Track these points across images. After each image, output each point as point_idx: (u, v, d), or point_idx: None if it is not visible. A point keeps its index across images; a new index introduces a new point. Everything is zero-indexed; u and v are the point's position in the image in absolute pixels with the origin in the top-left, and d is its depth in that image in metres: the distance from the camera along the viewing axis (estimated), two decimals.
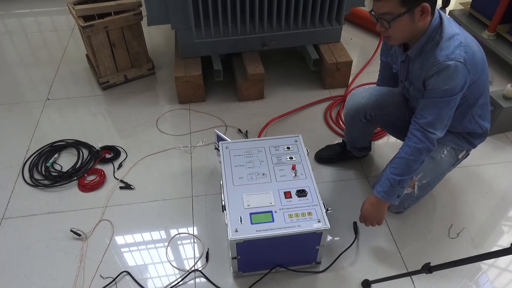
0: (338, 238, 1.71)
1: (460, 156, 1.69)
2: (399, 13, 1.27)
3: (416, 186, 1.61)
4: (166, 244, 1.70)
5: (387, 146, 2.12)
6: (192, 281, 1.57)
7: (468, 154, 1.73)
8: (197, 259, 1.63)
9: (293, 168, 1.58)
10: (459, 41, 1.33)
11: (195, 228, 1.74)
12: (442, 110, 1.38)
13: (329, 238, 1.70)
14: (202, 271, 1.58)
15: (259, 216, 1.43)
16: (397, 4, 1.25)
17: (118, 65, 2.44)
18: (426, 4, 1.26)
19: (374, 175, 1.96)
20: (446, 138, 1.55)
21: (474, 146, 1.68)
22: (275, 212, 1.44)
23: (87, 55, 2.61)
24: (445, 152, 1.62)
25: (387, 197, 1.50)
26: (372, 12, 1.33)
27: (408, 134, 1.47)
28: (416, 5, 1.26)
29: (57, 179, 1.93)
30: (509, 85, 2.04)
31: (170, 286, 1.55)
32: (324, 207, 1.45)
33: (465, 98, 1.44)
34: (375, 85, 1.83)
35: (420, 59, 1.41)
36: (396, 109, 1.67)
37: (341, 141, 2.04)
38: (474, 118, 1.55)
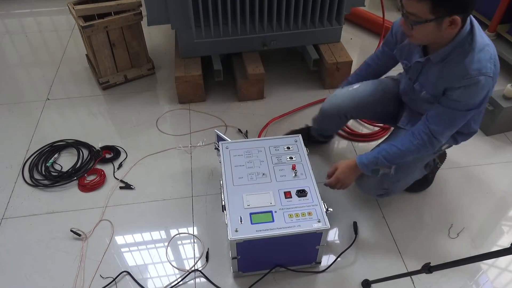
0: (338, 238, 1.71)
1: (442, 148, 1.67)
2: (426, 19, 1.21)
3: (392, 166, 1.58)
4: (166, 244, 1.70)
5: None
6: (192, 281, 1.57)
7: (450, 146, 1.70)
8: (197, 259, 1.63)
9: (293, 168, 1.58)
10: (490, 53, 1.29)
11: (195, 228, 1.74)
12: (457, 122, 1.38)
13: (329, 238, 1.70)
14: (202, 271, 1.58)
15: (259, 216, 1.43)
16: (426, 9, 1.19)
17: (118, 65, 2.44)
18: (457, 17, 1.20)
19: None
20: None
21: (456, 143, 1.65)
22: (275, 212, 1.44)
23: (87, 55, 2.61)
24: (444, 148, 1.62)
25: (365, 169, 1.53)
26: (402, 7, 1.27)
27: (414, 131, 1.45)
28: (446, 16, 1.20)
29: (57, 179, 1.93)
30: (509, 85, 2.04)
31: (170, 286, 1.55)
32: (324, 207, 1.45)
33: None
34: (360, 72, 1.77)
35: (441, 65, 1.36)
36: (378, 107, 1.69)
37: (304, 126, 2.05)
38: (467, 122, 1.53)
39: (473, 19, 1.31)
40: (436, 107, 1.40)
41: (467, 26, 1.28)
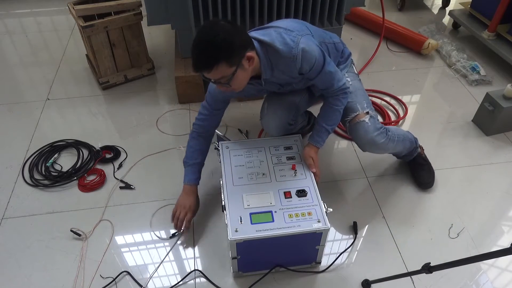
0: (338, 238, 1.71)
1: (354, 69, 1.82)
2: (231, 73, 1.33)
3: (369, 112, 1.66)
4: (166, 244, 1.70)
5: None
6: (192, 281, 1.57)
7: (352, 64, 1.83)
8: (197, 259, 1.63)
9: (293, 168, 1.58)
10: (280, 32, 1.43)
11: (195, 228, 1.74)
12: (332, 69, 1.53)
13: (329, 238, 1.70)
14: (202, 271, 1.58)
15: (259, 216, 1.43)
16: (225, 68, 1.30)
17: (118, 65, 2.44)
18: (249, 54, 1.34)
19: (374, 175, 1.96)
20: None
21: (349, 53, 1.80)
22: (275, 212, 1.44)
23: (87, 55, 2.61)
24: (348, 79, 1.72)
25: (323, 144, 1.66)
26: (205, 78, 1.36)
27: (331, 100, 1.61)
28: (241, 59, 1.33)
29: (57, 179, 1.93)
30: (509, 85, 2.04)
31: (170, 286, 1.55)
32: (324, 207, 1.45)
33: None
34: (200, 125, 1.70)
35: (276, 71, 1.49)
36: (301, 99, 1.77)
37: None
38: (332, 45, 1.69)
39: (251, 32, 1.46)
40: (316, 81, 1.56)
41: (255, 42, 1.42)
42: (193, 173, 1.69)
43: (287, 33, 1.43)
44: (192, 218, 1.69)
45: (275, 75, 1.51)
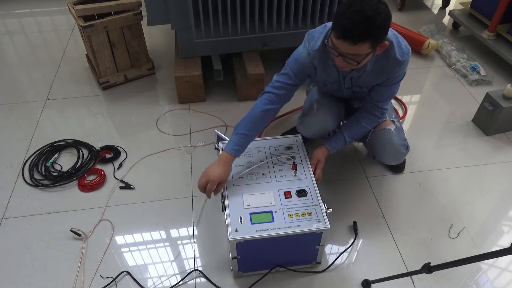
0: (338, 238, 1.71)
1: None
2: (366, 53, 1.32)
3: (395, 122, 1.73)
4: (166, 244, 1.70)
5: None
6: (192, 281, 1.57)
7: None
8: (197, 259, 1.63)
9: (293, 168, 1.58)
10: (396, 34, 1.46)
11: (195, 228, 1.74)
12: (396, 90, 1.62)
13: (329, 238, 1.70)
14: (202, 271, 1.58)
15: (259, 216, 1.43)
16: (367, 48, 1.29)
17: (118, 65, 2.44)
18: (386, 42, 1.35)
19: (374, 175, 1.96)
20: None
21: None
22: (275, 212, 1.44)
23: (87, 55, 2.61)
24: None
25: (335, 151, 1.71)
26: (335, 50, 1.32)
27: (364, 116, 1.68)
28: (379, 45, 1.34)
29: (57, 179, 1.93)
30: (509, 85, 2.04)
31: (170, 286, 1.55)
32: (324, 207, 1.45)
33: None
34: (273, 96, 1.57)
35: (373, 67, 1.50)
36: (342, 111, 1.82)
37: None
38: None
39: None
40: (378, 90, 1.61)
41: None
42: (237, 143, 1.51)
43: (401, 38, 1.47)
44: (221, 189, 1.53)
45: (369, 71, 1.51)
